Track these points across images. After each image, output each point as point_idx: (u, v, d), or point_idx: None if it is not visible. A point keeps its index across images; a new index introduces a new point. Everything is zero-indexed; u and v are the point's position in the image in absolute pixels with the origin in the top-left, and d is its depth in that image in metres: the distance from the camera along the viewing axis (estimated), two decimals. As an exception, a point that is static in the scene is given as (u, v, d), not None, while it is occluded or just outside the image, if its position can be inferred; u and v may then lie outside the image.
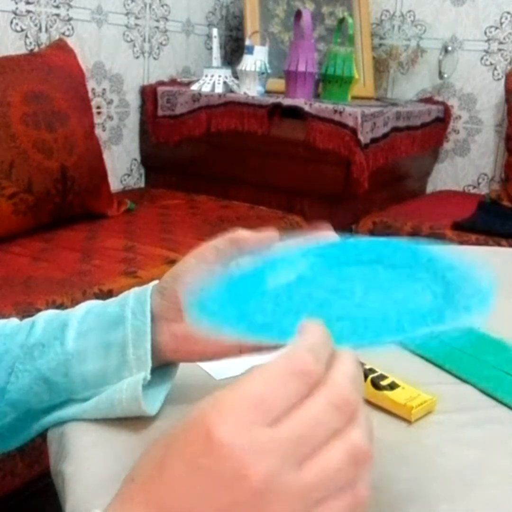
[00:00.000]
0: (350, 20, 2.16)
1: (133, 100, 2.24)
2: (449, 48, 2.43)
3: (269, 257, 0.49)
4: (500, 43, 2.39)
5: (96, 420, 0.53)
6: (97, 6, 2.01)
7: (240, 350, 0.50)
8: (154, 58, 2.29)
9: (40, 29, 1.86)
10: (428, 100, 2.52)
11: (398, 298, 0.44)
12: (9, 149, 1.52)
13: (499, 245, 1.81)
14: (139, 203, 2.01)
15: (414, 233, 1.94)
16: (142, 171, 2.37)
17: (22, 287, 1.28)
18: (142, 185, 2.38)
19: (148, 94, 2.23)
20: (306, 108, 1.94)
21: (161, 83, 2.29)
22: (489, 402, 0.61)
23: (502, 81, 2.35)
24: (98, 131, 1.99)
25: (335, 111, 1.91)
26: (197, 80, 2.22)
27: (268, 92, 2.16)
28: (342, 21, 2.20)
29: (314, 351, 0.33)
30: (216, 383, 0.62)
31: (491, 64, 2.43)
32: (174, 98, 2.18)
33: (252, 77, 2.08)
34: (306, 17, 2.05)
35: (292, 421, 0.31)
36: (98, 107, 2.10)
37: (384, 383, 0.59)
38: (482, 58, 2.44)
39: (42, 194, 1.60)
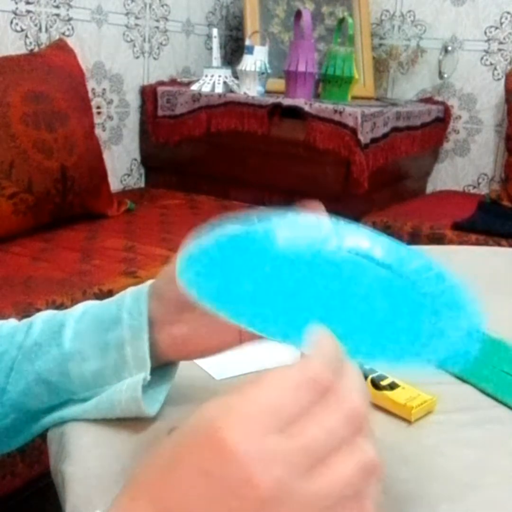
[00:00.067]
0: (350, 20, 2.16)
1: (133, 100, 2.24)
2: (449, 48, 2.43)
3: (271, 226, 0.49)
4: (500, 43, 2.39)
5: (96, 420, 0.53)
6: (97, 6, 2.01)
7: (241, 340, 0.50)
8: (154, 58, 2.29)
9: (40, 29, 1.86)
10: (428, 100, 2.52)
11: (398, 313, 0.44)
12: (9, 149, 1.52)
13: (499, 245, 1.81)
14: (139, 203, 2.01)
15: (414, 233, 1.94)
16: (142, 171, 2.37)
17: (22, 287, 1.28)
18: (142, 185, 2.38)
19: (148, 94, 2.23)
20: (306, 108, 1.94)
21: (161, 83, 2.29)
22: (489, 402, 0.61)
23: (502, 81, 2.35)
24: (98, 131, 1.99)
25: (335, 111, 1.91)
26: (197, 80, 2.22)
27: (268, 92, 2.16)
28: (342, 21, 2.20)
29: (328, 362, 0.33)
30: (216, 383, 0.62)
31: (491, 64, 2.43)
32: (174, 98, 2.18)
33: (252, 77, 2.08)
34: (306, 17, 2.05)
35: (303, 430, 0.31)
36: (98, 107, 2.10)
37: (384, 383, 0.59)
38: (482, 58, 2.44)
39: (42, 194, 1.60)
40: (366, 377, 0.59)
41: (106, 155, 1.96)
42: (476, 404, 0.61)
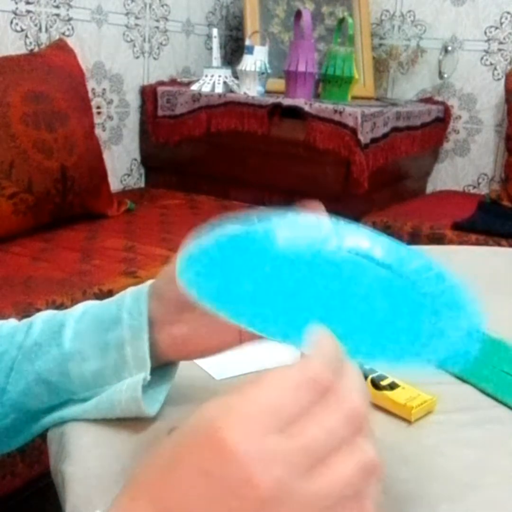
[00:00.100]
0: (350, 20, 2.16)
1: (133, 100, 2.24)
2: (449, 48, 2.43)
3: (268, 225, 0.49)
4: (500, 43, 2.39)
5: (96, 420, 0.53)
6: (97, 6, 2.01)
7: (241, 340, 0.50)
8: (154, 58, 2.29)
9: (40, 29, 1.86)
10: (428, 100, 2.52)
11: (398, 313, 0.44)
12: (9, 149, 1.52)
13: (499, 245, 1.81)
14: (139, 203, 2.01)
15: (414, 233, 1.94)
16: (142, 171, 2.37)
17: (22, 287, 1.28)
18: (142, 185, 2.38)
19: (148, 94, 2.23)
20: (306, 108, 1.94)
21: (161, 83, 2.29)
22: (489, 402, 0.61)
23: (502, 81, 2.35)
24: (98, 131, 1.99)
25: (335, 111, 1.91)
26: (197, 80, 2.22)
27: (268, 92, 2.16)
28: (342, 21, 2.20)
29: (328, 362, 0.33)
30: (216, 383, 0.62)
31: (491, 64, 2.43)
32: (174, 98, 2.18)
33: (252, 77, 2.08)
34: (306, 17, 2.05)
35: (303, 431, 0.31)
36: (98, 107, 2.10)
37: (384, 383, 0.59)
38: (482, 58, 2.44)
39: (42, 194, 1.60)
40: (366, 377, 0.59)
41: (106, 155, 1.96)
42: (476, 404, 0.61)
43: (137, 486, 0.32)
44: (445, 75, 2.45)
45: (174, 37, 2.35)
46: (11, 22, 1.78)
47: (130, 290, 0.53)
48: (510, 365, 0.66)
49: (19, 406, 0.54)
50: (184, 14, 2.37)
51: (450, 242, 1.87)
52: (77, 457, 0.51)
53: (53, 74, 1.69)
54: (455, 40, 2.46)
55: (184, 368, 0.55)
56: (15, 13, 1.78)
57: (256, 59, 2.07)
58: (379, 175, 2.02)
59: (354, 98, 2.20)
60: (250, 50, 2.09)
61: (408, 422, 0.57)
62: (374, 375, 0.60)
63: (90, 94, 1.91)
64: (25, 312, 1.16)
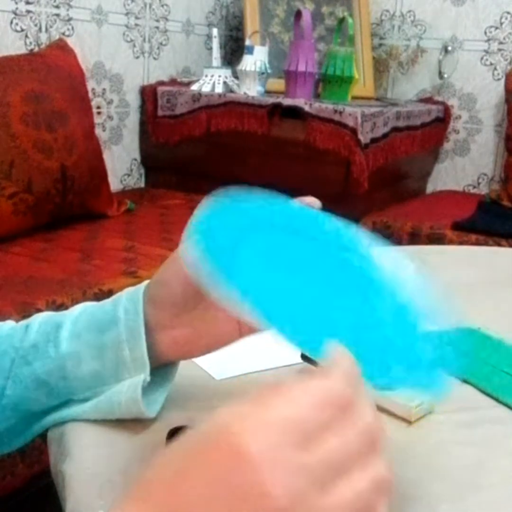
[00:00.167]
0: (350, 20, 2.16)
1: (133, 100, 2.24)
2: (449, 48, 2.43)
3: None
4: (500, 43, 2.39)
5: (96, 420, 0.53)
6: (97, 6, 2.01)
7: (240, 333, 0.50)
8: (154, 58, 2.29)
9: (40, 29, 1.86)
10: (428, 100, 2.52)
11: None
12: (9, 149, 1.52)
13: (499, 245, 1.81)
14: (139, 203, 2.01)
15: (414, 233, 1.94)
16: (142, 171, 2.37)
17: (22, 287, 1.28)
18: (142, 185, 2.38)
19: (148, 94, 2.23)
20: (306, 108, 1.94)
21: (161, 83, 2.29)
22: (489, 402, 0.61)
23: (502, 81, 2.35)
24: (98, 131, 1.99)
25: (335, 111, 1.91)
26: (197, 80, 2.22)
27: (268, 92, 2.16)
28: (342, 21, 2.20)
29: (349, 379, 0.33)
30: (216, 383, 0.62)
31: (491, 64, 2.43)
32: (174, 98, 2.18)
33: (252, 77, 2.08)
34: (306, 17, 2.05)
35: (323, 446, 0.31)
36: (98, 107, 2.10)
37: (384, 383, 0.59)
38: (482, 58, 2.44)
39: (42, 194, 1.60)
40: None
41: (106, 155, 1.96)
42: (476, 404, 0.61)
43: (143, 489, 0.32)
44: (445, 75, 2.45)
45: (174, 37, 2.35)
46: (11, 22, 1.78)
47: (127, 290, 0.53)
48: (510, 365, 0.66)
49: (19, 407, 0.53)
50: (184, 14, 2.37)
51: (450, 242, 1.87)
52: (77, 457, 0.51)
53: (53, 74, 1.69)
54: (455, 40, 2.46)
55: (184, 368, 0.55)
56: (15, 13, 1.78)
57: (256, 59, 2.07)
58: (379, 175, 2.02)
59: (354, 98, 2.20)
60: (250, 50, 2.09)
61: (408, 422, 0.57)
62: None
63: (90, 94, 1.91)
64: (25, 312, 1.16)
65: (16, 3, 1.78)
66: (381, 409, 0.58)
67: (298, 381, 0.33)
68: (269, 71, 2.13)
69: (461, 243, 1.85)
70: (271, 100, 2.01)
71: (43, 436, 0.57)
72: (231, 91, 2.18)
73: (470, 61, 2.45)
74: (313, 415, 0.31)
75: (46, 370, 0.52)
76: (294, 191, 0.54)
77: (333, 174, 1.97)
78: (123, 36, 2.13)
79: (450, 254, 1.18)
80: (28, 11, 1.81)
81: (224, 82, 2.18)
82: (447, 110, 2.49)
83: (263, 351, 0.61)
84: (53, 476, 0.53)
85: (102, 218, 1.83)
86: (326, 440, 0.31)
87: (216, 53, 2.24)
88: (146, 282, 0.53)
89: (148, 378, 0.51)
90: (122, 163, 2.27)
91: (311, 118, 1.94)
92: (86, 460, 0.50)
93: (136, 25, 2.17)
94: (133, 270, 1.43)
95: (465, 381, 0.64)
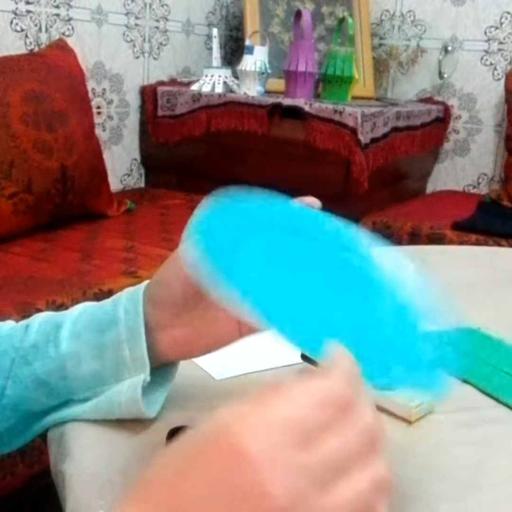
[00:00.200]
0: (350, 20, 2.16)
1: (133, 100, 2.24)
2: (449, 48, 2.43)
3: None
4: (500, 43, 2.39)
5: (96, 420, 0.53)
6: (97, 6, 2.01)
7: (240, 333, 0.50)
8: (154, 58, 2.29)
9: (40, 29, 1.86)
10: (428, 100, 2.52)
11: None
12: (9, 149, 1.52)
13: (499, 245, 1.81)
14: (139, 203, 2.01)
15: (414, 233, 1.94)
16: (142, 171, 2.37)
17: (22, 287, 1.28)
18: (142, 185, 2.38)
19: (148, 94, 2.23)
20: (306, 108, 1.94)
21: (161, 83, 2.29)
22: (489, 402, 0.61)
23: (502, 81, 2.35)
24: (98, 131, 1.99)
25: (335, 111, 1.91)
26: (197, 80, 2.22)
27: (268, 92, 2.16)
28: (342, 21, 2.20)
29: (349, 379, 0.33)
30: (216, 383, 0.62)
31: (491, 64, 2.43)
32: (174, 98, 2.18)
33: (252, 77, 2.08)
34: (306, 17, 2.05)
35: (323, 446, 0.31)
36: (98, 107, 2.10)
37: (384, 383, 0.59)
38: (482, 58, 2.44)
39: (42, 194, 1.60)
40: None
41: (106, 155, 1.96)
42: (476, 404, 0.61)
43: (143, 489, 0.32)
44: (445, 75, 2.45)
45: (174, 37, 2.35)
46: (11, 22, 1.78)
47: (127, 290, 0.53)
48: (510, 365, 0.66)
49: (19, 407, 0.53)
50: (184, 14, 2.37)
51: (450, 242, 1.87)
52: (77, 457, 0.51)
53: (53, 74, 1.69)
54: (455, 40, 2.46)
55: (184, 368, 0.55)
56: (15, 13, 1.78)
57: (256, 59, 2.07)
58: (379, 175, 2.02)
59: (354, 98, 2.20)
60: (250, 50, 2.09)
61: (408, 422, 0.57)
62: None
63: (90, 94, 1.91)
64: (25, 312, 1.16)
65: (16, 3, 1.78)
66: (381, 409, 0.58)
67: (298, 381, 0.33)
68: (269, 71, 2.13)
69: (461, 243, 1.85)
70: (271, 100, 2.02)
71: (43, 436, 0.57)
72: (231, 91, 2.18)
73: (470, 61, 2.45)
74: (313, 415, 0.31)
75: (46, 370, 0.52)
76: (294, 191, 0.53)
77: (333, 174, 1.97)
78: (123, 36, 2.13)
79: (450, 254, 1.18)
80: (28, 11, 1.81)
81: (224, 82, 2.18)
82: (447, 110, 2.49)
83: (263, 351, 0.61)
84: (53, 476, 0.53)
85: (102, 218, 1.83)
86: (326, 440, 0.31)
87: (216, 53, 2.25)
88: (146, 282, 0.53)
89: (148, 378, 0.51)
90: (122, 163, 2.27)
91: (311, 118, 1.94)
92: (86, 460, 0.50)
93: (136, 25, 2.17)
94: (133, 270, 1.43)
95: (465, 381, 0.64)
